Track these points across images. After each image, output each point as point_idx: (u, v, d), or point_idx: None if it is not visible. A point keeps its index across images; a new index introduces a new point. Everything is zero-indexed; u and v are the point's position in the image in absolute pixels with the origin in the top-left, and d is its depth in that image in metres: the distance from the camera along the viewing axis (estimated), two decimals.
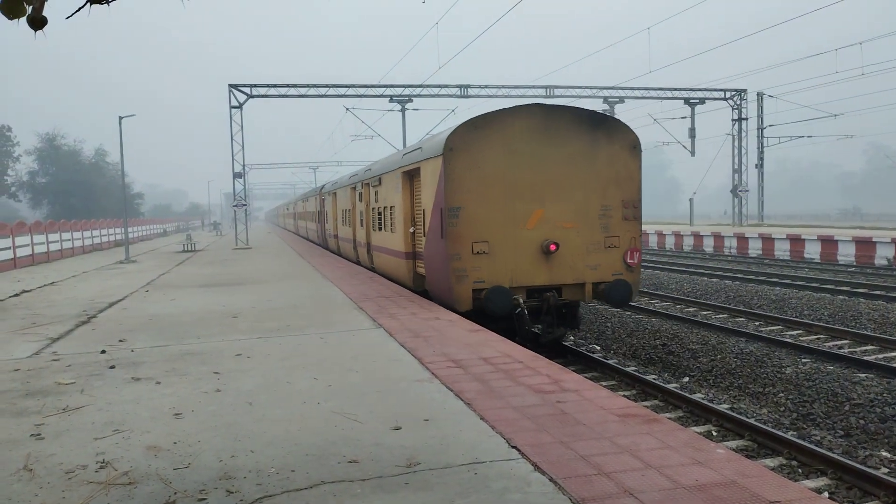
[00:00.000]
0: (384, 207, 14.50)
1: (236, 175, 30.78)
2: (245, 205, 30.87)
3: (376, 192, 15.47)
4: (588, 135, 10.22)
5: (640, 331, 12.93)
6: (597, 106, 36.12)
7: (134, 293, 13.94)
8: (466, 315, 9.94)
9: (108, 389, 6.21)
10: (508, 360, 6.92)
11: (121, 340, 8.55)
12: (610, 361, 10.82)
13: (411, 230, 12.36)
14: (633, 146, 10.37)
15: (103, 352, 7.87)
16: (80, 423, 5.28)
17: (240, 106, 30.35)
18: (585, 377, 8.78)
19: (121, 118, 25.41)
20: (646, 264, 24.80)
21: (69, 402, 5.86)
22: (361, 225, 17.76)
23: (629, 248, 10.39)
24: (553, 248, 10.03)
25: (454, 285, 9.94)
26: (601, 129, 10.27)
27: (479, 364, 6.75)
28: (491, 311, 9.58)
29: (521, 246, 10.03)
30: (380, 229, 15.13)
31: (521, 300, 9.87)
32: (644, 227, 39.56)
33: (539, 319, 10.20)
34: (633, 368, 10.75)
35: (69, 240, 30.62)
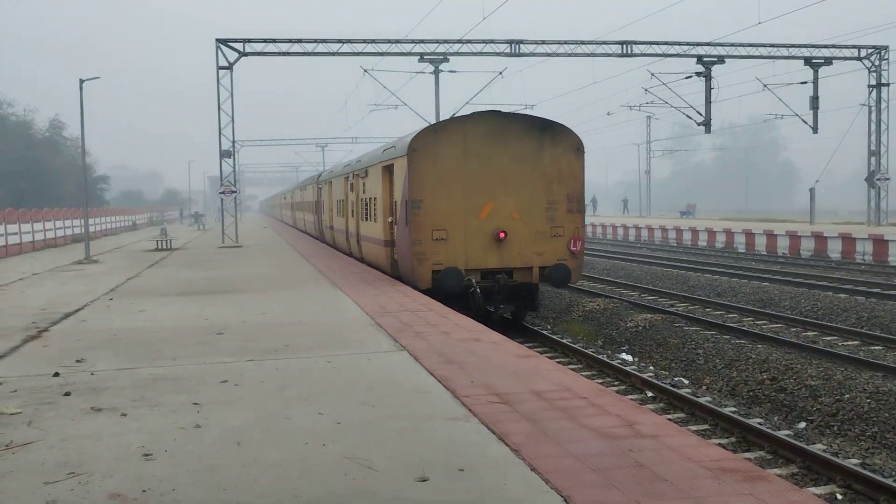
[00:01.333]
0: (370, 199, 19.20)
1: (224, 154, 31.30)
2: (235, 191, 31.36)
3: (364, 184, 20.18)
4: (536, 138, 15.41)
5: (742, 360, 12.78)
6: (689, 67, 35.69)
7: (95, 301, 14.27)
8: (426, 293, 14.66)
9: (62, 422, 6.37)
10: (568, 394, 6.90)
11: (78, 361, 8.76)
12: (701, 399, 10.71)
13: (390, 220, 17.16)
14: (577, 148, 15.56)
15: (57, 374, 8.08)
16: (28, 464, 5.39)
17: (230, 66, 30.79)
18: (668, 419, 8.70)
19: (82, 81, 26.03)
20: (751, 274, 24.52)
21: (14, 436, 6.02)
22: (353, 215, 22.40)
23: (572, 237, 15.63)
24: (502, 235, 15.24)
25: (416, 267, 15.12)
26: (548, 133, 15.47)
27: (530, 399, 6.74)
28: (444, 289, 14.74)
29: (475, 233, 15.23)
30: (366, 219, 20.03)
31: (473, 281, 14.98)
32: (748, 225, 39.13)
33: (491, 299, 15.21)
34: (732, 409, 10.63)
35: (16, 233, 31.49)
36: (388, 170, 17.34)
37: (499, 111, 15.52)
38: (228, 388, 7.33)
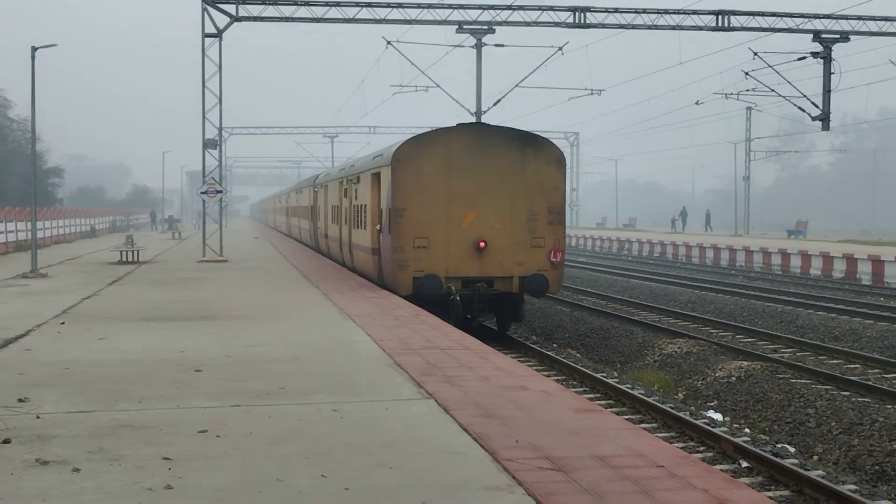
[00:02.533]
0: (361, 206, 23.20)
1: (208, 143, 31.68)
2: (220, 191, 31.67)
3: (356, 190, 24.20)
4: (518, 151, 19.59)
5: (866, 424, 12.62)
6: (803, 46, 35.41)
7: (43, 326, 14.46)
8: (407, 299, 18.46)
9: None
10: (640, 461, 6.84)
11: (21, 400, 8.87)
12: (812, 473, 10.59)
13: (378, 227, 20.95)
14: (559, 161, 19.84)
15: None
16: None
17: (218, 34, 31.19)
18: (769, 497, 8.59)
19: (34, 50, 26.52)
20: (879, 313, 24.18)
21: None
22: (346, 223, 26.33)
23: (553, 248, 19.65)
24: (482, 244, 19.28)
25: (397, 273, 19.17)
26: (530, 145, 19.71)
27: (592, 466, 6.70)
28: (424, 296, 18.64)
29: (456, 242, 19.29)
30: (357, 227, 24.05)
31: (453, 288, 19.03)
32: (876, 250, 38.68)
33: (472, 308, 19.23)
34: (851, 488, 10.47)
35: None
36: (377, 177, 21.25)
37: (483, 123, 20.58)
38: (208, 441, 7.37)
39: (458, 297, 18.94)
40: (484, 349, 12.17)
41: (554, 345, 21.34)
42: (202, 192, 31.53)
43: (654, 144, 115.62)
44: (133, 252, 31.74)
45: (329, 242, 31.54)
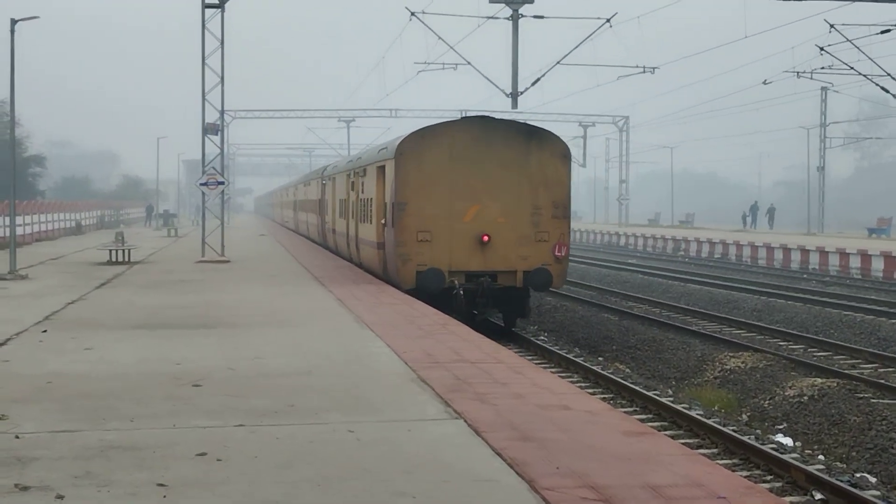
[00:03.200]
0: (368, 199, 25.77)
1: (208, 129, 31.85)
2: (222, 182, 31.82)
3: (363, 183, 26.76)
4: (522, 144, 21.83)
5: None
6: (890, 16, 35.09)
7: (23, 334, 14.58)
8: (409, 293, 20.79)
9: None
10: (699, 492, 6.81)
11: None
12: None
13: (382, 221, 23.38)
14: (564, 155, 22.22)
15: None
16: None
17: (221, 4, 31.35)
18: None
19: (14, 22, 26.76)
20: None
21: None
22: (353, 217, 29.07)
23: (557, 243, 21.82)
24: (485, 238, 21.50)
25: (400, 267, 21.47)
26: (534, 139, 21.96)
27: (643, 496, 6.68)
28: (426, 289, 20.89)
29: (460, 236, 21.51)
30: (363, 221, 26.64)
31: (456, 282, 21.23)
32: None
33: (476, 302, 21.40)
34: None
35: None
36: (382, 171, 23.66)
37: (487, 117, 22.80)
38: (208, 465, 7.41)
39: (461, 292, 21.13)
40: (520, 363, 12.16)
41: (600, 358, 21.29)
42: (201, 184, 31.68)
43: (715, 130, 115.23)
44: (123, 251, 31.92)
45: (336, 238, 33.93)
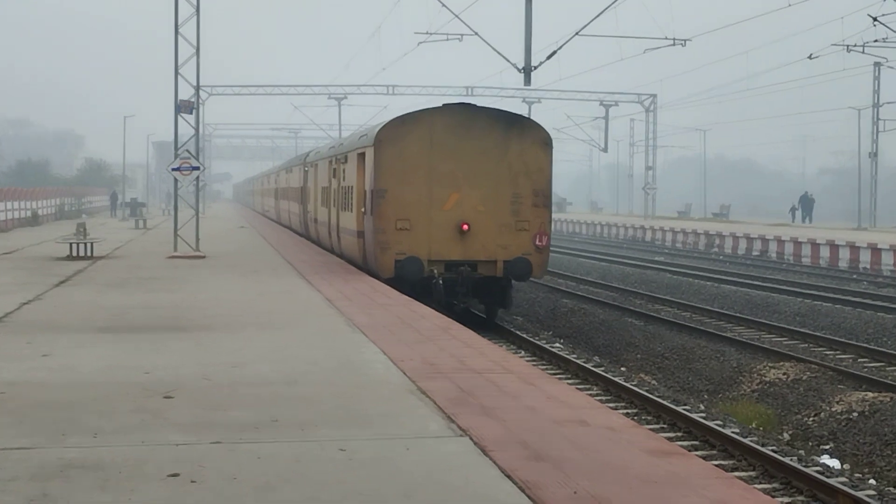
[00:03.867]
0: (349, 187, 28.26)
1: (182, 106, 31.81)
2: (197, 167, 31.81)
3: (344, 170, 29.43)
4: (502, 132, 24.05)
5: None
6: None
7: None
8: (387, 282, 22.90)
9: None
10: None
11: None
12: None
13: (363, 210, 25.70)
14: (545, 142, 24.40)
15: None
16: None
17: None
18: None
19: None
20: None
21: None
22: (334, 205, 31.59)
23: (538, 232, 24.06)
24: (465, 227, 23.63)
25: (379, 255, 23.60)
26: (515, 126, 24.29)
27: None
28: (404, 277, 23.06)
29: (439, 225, 23.64)
30: (344, 209, 29.20)
31: (435, 271, 23.43)
32: None
33: (455, 292, 23.61)
34: None
35: None
36: (362, 158, 25.98)
37: (468, 104, 25.37)
38: (181, 487, 7.40)
39: (440, 281, 23.44)
40: (532, 373, 12.15)
41: (622, 368, 21.30)
42: (174, 169, 31.64)
43: (753, 110, 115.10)
44: (86, 245, 31.94)
45: (318, 228, 36.73)
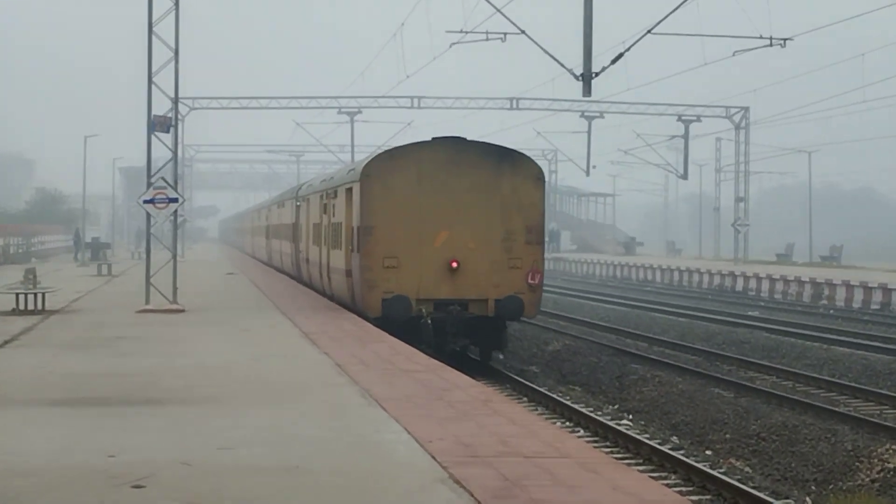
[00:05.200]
0: (338, 223, 32.28)
1: (156, 124, 31.88)
2: (177, 199, 31.88)
3: (334, 206, 33.52)
4: (493, 166, 28.67)
5: None
6: None
7: None
8: (374, 322, 27.01)
9: None
10: None
11: None
12: None
13: (350, 247, 29.89)
14: (537, 177, 29.19)
15: None
16: None
17: None
18: None
19: None
20: None
21: None
22: (325, 243, 35.69)
23: (531, 269, 28.27)
24: (454, 264, 27.86)
25: (366, 294, 28.10)
26: (506, 161, 28.93)
27: None
28: (391, 317, 27.29)
29: (428, 263, 27.93)
30: (335, 247, 33.14)
31: (424, 311, 27.54)
32: None
33: (444, 332, 27.32)
34: None
35: None
36: (350, 193, 30.20)
37: (459, 138, 29.17)
38: None
39: (429, 321, 27.33)
40: (593, 457, 12.07)
41: (707, 451, 21.17)
42: (146, 201, 31.70)
43: (871, 128, 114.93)
44: (36, 296, 32.04)
45: (310, 268, 41.15)
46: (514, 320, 29.33)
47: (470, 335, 28.03)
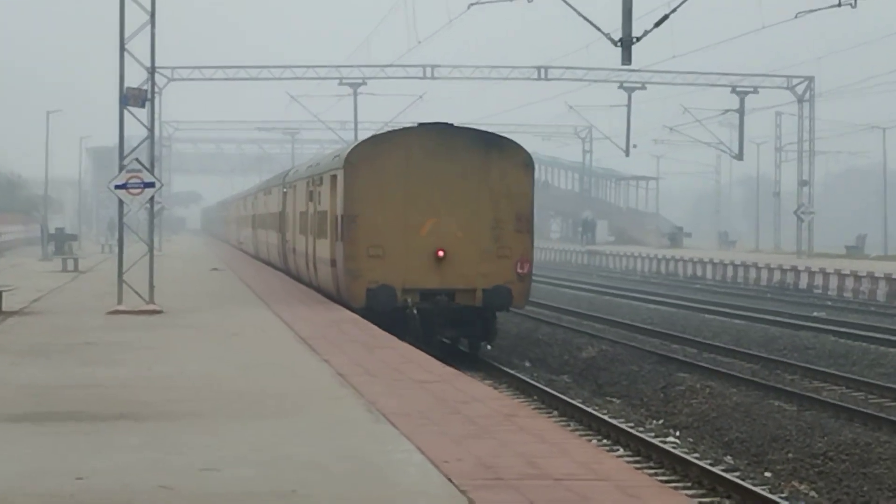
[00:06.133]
0: (323, 212, 35.77)
1: (129, 97, 31.87)
2: (153, 183, 31.88)
3: (320, 193, 36.95)
4: (482, 153, 32.47)
5: None
6: None
7: None
8: (358, 312, 30.58)
9: None
10: None
11: None
12: None
13: (334, 236, 33.63)
14: (526, 164, 33.22)
15: None
16: None
17: None
18: None
19: None
20: None
21: None
22: (311, 232, 39.34)
23: (520, 259, 32.21)
24: (440, 253, 31.66)
25: (350, 284, 32.07)
26: (494, 148, 32.90)
27: None
28: (376, 307, 30.93)
29: (415, 252, 31.82)
30: (320, 237, 36.46)
31: (410, 301, 31.32)
32: None
33: (431, 323, 31.23)
34: None
35: None
36: (334, 180, 33.29)
37: (446, 124, 32.53)
38: None
39: (415, 311, 30.51)
40: (635, 480, 12.06)
41: (766, 473, 21.16)
42: (118, 186, 31.68)
43: None
44: None
45: (297, 259, 45.07)
46: (503, 310, 32.18)
47: (457, 326, 31.66)
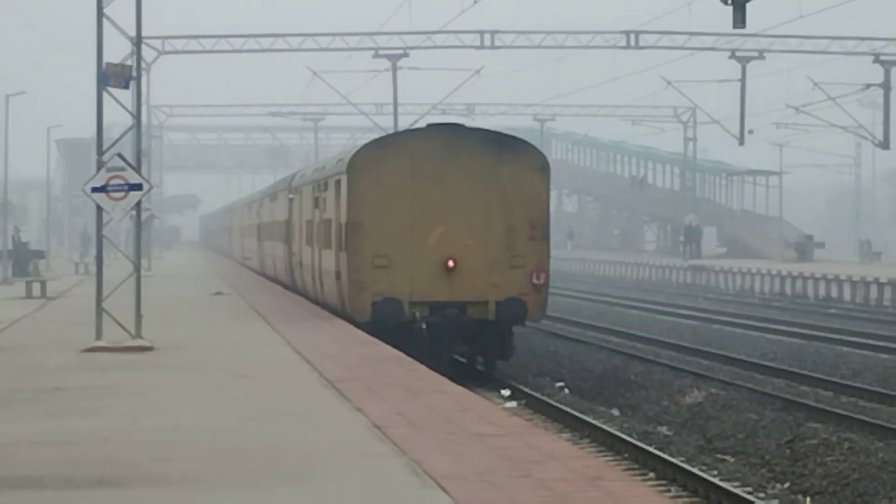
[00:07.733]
0: (328, 219, 41.58)
1: (110, 75, 32.04)
2: (139, 185, 31.98)
3: (325, 200, 42.74)
4: (493, 155, 38.41)
5: None
6: None
7: None
8: (362, 327, 36.59)
9: None
10: None
11: None
12: None
13: (338, 246, 41.04)
14: (541, 167, 39.10)
15: None
16: None
17: None
18: None
19: None
20: None
21: None
22: (316, 242, 44.05)
23: (535, 268, 37.68)
24: (450, 263, 37.20)
25: (353, 297, 38.13)
26: (507, 149, 39.05)
27: None
28: (381, 322, 36.79)
29: (422, 261, 37.63)
30: (325, 247, 42.11)
31: (418, 314, 36.81)
32: None
33: (441, 338, 36.81)
34: None
35: None
36: (338, 185, 37.54)
37: (455, 124, 37.44)
38: None
39: (423, 326, 33.96)
40: None
41: None
42: (95, 189, 31.77)
43: None
44: None
45: (303, 273, 50.04)
46: (518, 324, 36.53)
47: (470, 341, 35.96)
